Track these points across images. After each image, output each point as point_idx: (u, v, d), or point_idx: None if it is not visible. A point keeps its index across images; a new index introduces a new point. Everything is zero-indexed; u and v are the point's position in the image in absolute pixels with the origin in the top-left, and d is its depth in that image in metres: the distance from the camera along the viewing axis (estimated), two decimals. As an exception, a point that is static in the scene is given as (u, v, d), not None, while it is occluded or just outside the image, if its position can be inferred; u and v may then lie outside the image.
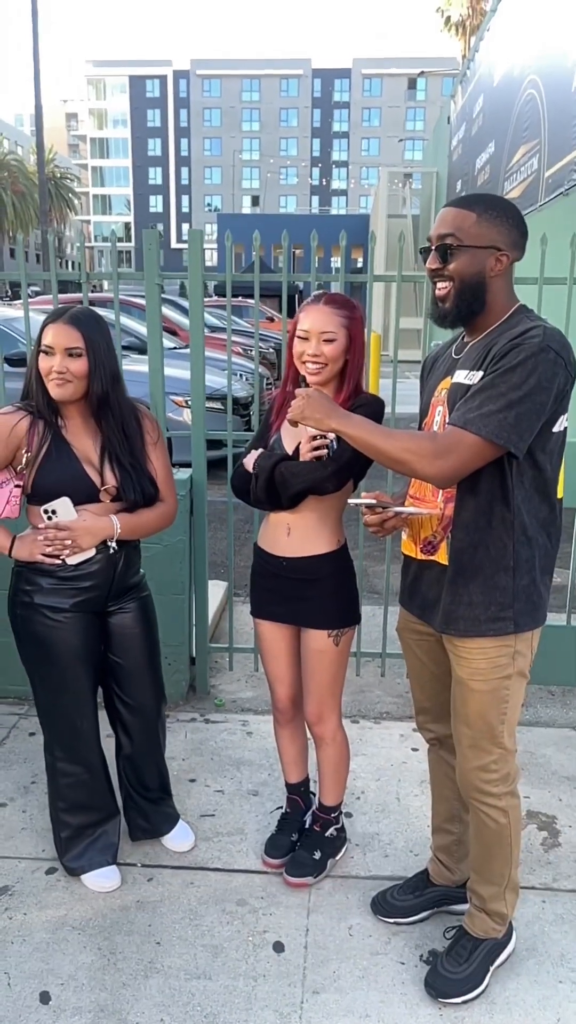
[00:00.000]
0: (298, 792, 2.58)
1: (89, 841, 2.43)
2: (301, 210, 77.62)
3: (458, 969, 2.05)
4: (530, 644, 1.93)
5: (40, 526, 2.19)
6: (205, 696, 3.56)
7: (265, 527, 2.33)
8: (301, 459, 2.14)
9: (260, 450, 2.26)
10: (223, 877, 2.47)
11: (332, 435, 2.04)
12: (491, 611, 1.86)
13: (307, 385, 2.12)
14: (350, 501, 2.06)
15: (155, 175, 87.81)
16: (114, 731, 2.50)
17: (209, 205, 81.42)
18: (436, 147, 25.02)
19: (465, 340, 1.92)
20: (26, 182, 50.32)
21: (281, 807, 2.66)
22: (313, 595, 2.27)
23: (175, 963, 2.15)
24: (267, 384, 10.58)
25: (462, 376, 1.84)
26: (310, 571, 2.26)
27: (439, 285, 1.84)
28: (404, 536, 2.06)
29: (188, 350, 3.40)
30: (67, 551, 2.18)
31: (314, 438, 2.09)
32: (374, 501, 1.96)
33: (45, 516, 2.17)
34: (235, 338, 12.34)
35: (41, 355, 2.13)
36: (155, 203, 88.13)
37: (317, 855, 2.45)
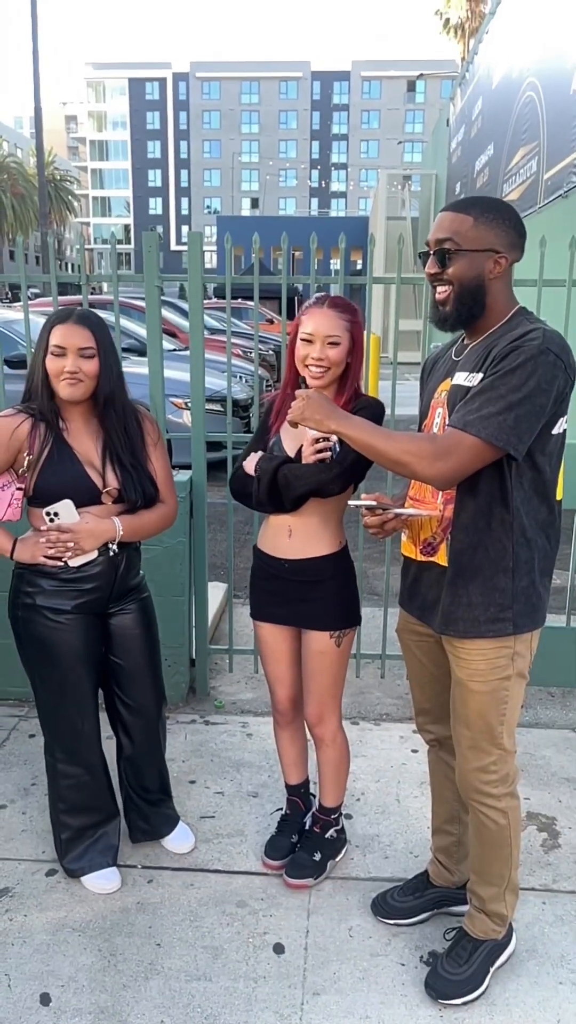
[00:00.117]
0: (298, 794, 2.58)
1: (89, 843, 2.43)
2: (300, 212, 77.72)
3: (458, 970, 2.05)
4: (529, 645, 1.94)
5: (42, 528, 2.19)
6: (205, 698, 3.57)
7: (265, 529, 2.33)
8: (304, 461, 2.14)
9: (260, 453, 2.26)
10: (223, 879, 2.47)
11: (334, 437, 2.05)
12: (490, 612, 1.86)
13: (307, 387, 2.13)
14: (350, 503, 2.06)
15: (154, 177, 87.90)
16: (115, 732, 2.50)
17: (208, 207, 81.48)
18: (435, 149, 25.05)
19: (465, 342, 1.93)
20: (26, 184, 50.38)
21: (281, 809, 2.66)
22: (315, 597, 2.27)
23: (175, 965, 2.16)
24: (267, 386, 10.59)
25: (462, 378, 1.85)
26: (312, 573, 2.26)
27: (439, 289, 1.85)
28: (404, 537, 2.06)
29: (188, 352, 3.40)
30: (69, 553, 2.19)
31: (317, 440, 2.09)
32: (374, 503, 1.97)
33: (47, 518, 2.17)
34: (235, 340, 12.35)
35: (50, 356, 2.13)
36: (154, 205, 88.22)
37: (317, 856, 2.45)
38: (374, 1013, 2.02)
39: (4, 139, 63.38)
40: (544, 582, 1.92)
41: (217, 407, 7.29)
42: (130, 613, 2.38)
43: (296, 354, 2.17)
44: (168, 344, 9.58)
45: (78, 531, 2.17)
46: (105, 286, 16.36)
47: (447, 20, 33.57)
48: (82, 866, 2.42)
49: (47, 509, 2.16)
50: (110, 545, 2.23)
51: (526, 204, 10.82)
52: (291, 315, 15.81)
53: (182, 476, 3.34)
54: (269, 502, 2.20)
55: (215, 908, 2.35)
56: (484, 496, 1.83)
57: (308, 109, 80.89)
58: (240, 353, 11.58)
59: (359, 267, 34.78)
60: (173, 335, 10.89)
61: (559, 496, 1.92)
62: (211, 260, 52.80)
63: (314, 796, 2.62)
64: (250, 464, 2.24)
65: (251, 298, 3.48)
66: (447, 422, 1.83)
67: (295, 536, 2.25)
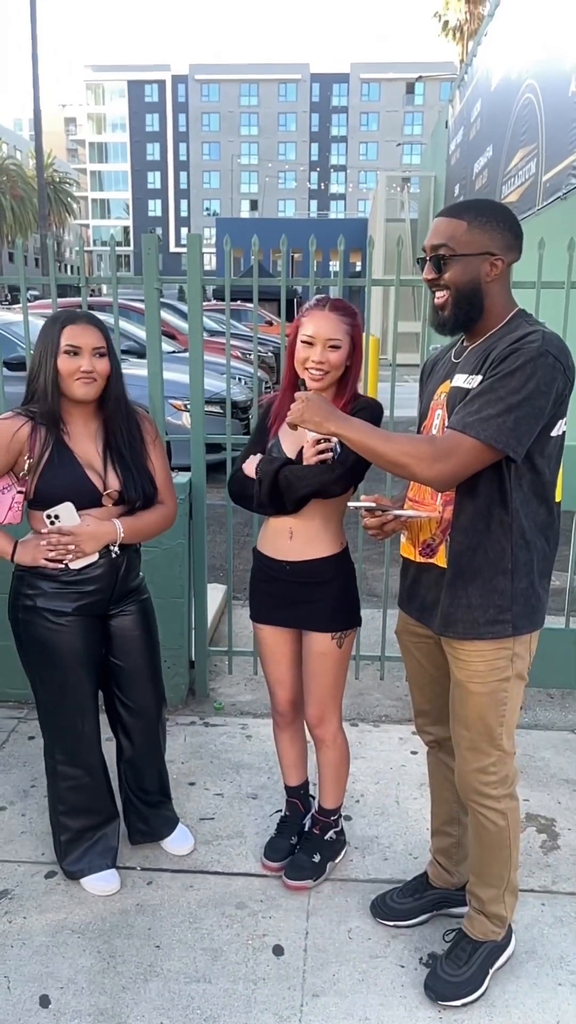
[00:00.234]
0: (297, 795, 2.58)
1: (89, 845, 2.43)
2: (300, 214, 77.80)
3: (457, 972, 2.05)
4: (528, 647, 1.94)
5: (43, 531, 2.19)
6: (204, 699, 3.57)
7: (265, 531, 2.33)
8: (305, 463, 2.14)
9: (259, 455, 2.26)
10: (222, 880, 2.47)
11: (335, 439, 2.05)
12: (489, 614, 1.86)
13: (306, 389, 2.13)
14: (350, 504, 2.06)
15: (154, 179, 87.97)
16: (114, 734, 2.50)
17: (208, 209, 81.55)
18: (434, 151, 25.08)
19: (464, 344, 1.93)
20: (25, 186, 50.41)
21: (280, 810, 2.66)
22: (316, 598, 2.27)
23: (175, 966, 2.15)
24: (266, 388, 10.59)
25: (461, 380, 1.85)
26: (314, 574, 2.26)
27: (437, 294, 1.86)
28: (403, 539, 2.06)
29: (187, 354, 3.41)
30: (70, 556, 2.19)
31: (318, 442, 2.10)
32: (373, 504, 1.97)
33: (48, 521, 2.17)
34: (234, 342, 12.36)
35: (64, 356, 2.13)
36: (154, 207, 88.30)
37: (316, 858, 2.45)
38: (373, 1015, 2.02)
39: (3, 141, 63.43)
40: (543, 583, 1.92)
41: (216, 409, 7.29)
42: (130, 615, 2.38)
43: (296, 356, 2.17)
44: (167, 346, 9.59)
45: (79, 533, 2.17)
46: (104, 288, 16.38)
47: (446, 22, 33.59)
48: (81, 868, 2.42)
49: (48, 512, 2.16)
50: (111, 547, 2.24)
51: (525, 206, 10.84)
52: (290, 317, 15.82)
53: (181, 478, 3.34)
54: (270, 504, 2.20)
55: (214, 910, 2.35)
56: (483, 498, 1.83)
57: (307, 111, 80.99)
58: (239, 355, 11.59)
59: (358, 269, 34.81)
60: (172, 337, 10.90)
61: (558, 498, 1.92)
62: (210, 262, 52.82)
63: (313, 798, 2.62)
64: (249, 466, 2.24)
65: (250, 300, 3.49)
66: (446, 424, 1.84)
67: (296, 538, 2.25)
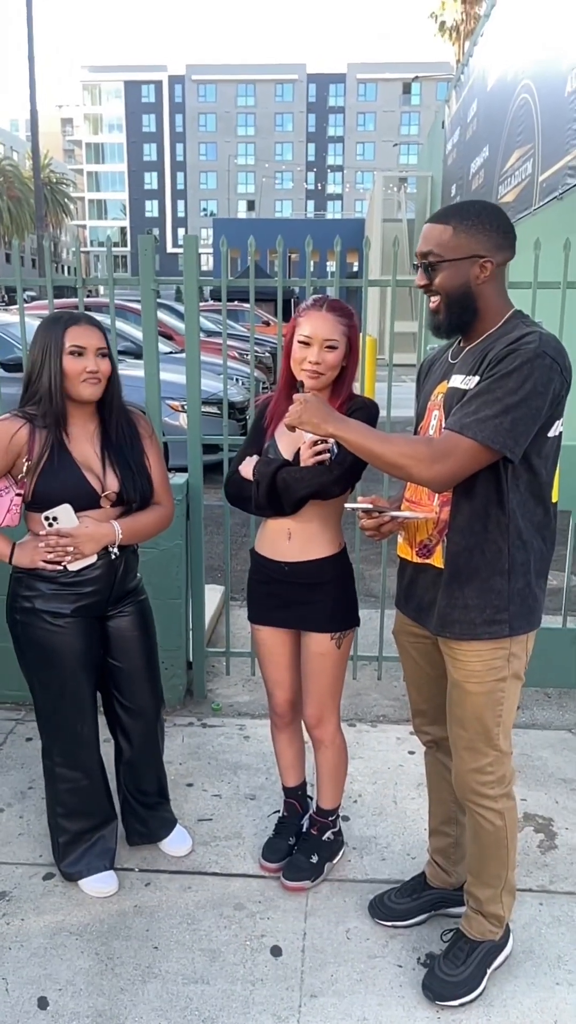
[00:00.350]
0: (295, 796, 2.58)
1: (87, 846, 2.43)
2: (297, 214, 77.78)
3: (455, 972, 2.05)
4: (525, 647, 1.94)
5: (41, 533, 2.19)
6: (202, 700, 3.57)
7: (263, 532, 2.33)
8: (302, 464, 2.15)
9: (255, 457, 2.26)
10: (220, 881, 2.47)
11: (332, 440, 2.05)
12: (486, 614, 1.87)
13: (304, 390, 2.13)
14: (347, 505, 2.06)
15: (151, 180, 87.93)
16: (113, 736, 2.50)
17: (205, 210, 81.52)
18: (431, 151, 25.10)
19: (461, 345, 1.93)
20: (22, 187, 50.36)
21: (278, 811, 2.66)
22: (315, 599, 2.27)
23: (173, 968, 2.15)
24: (263, 388, 10.59)
25: (458, 381, 1.85)
26: (313, 575, 2.26)
27: (431, 299, 1.87)
28: (400, 539, 2.07)
29: (184, 355, 3.41)
30: (69, 558, 2.19)
31: (315, 443, 2.10)
32: (371, 505, 1.97)
33: (46, 523, 2.17)
34: (231, 342, 12.35)
35: (69, 357, 2.13)
36: (151, 208, 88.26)
37: (314, 859, 2.45)
38: (371, 1015, 2.02)
39: (0, 142, 63.37)
40: (540, 584, 1.93)
41: (213, 409, 7.28)
42: (128, 616, 2.38)
43: (292, 356, 2.17)
44: (164, 347, 9.58)
45: (77, 535, 2.17)
46: (101, 289, 16.37)
47: (442, 23, 33.60)
48: (79, 870, 2.42)
49: (46, 513, 2.16)
50: (110, 548, 2.24)
51: (521, 206, 10.85)
52: (287, 317, 15.82)
53: (179, 479, 3.35)
54: (269, 506, 2.20)
55: (212, 911, 2.35)
56: (480, 498, 1.84)
57: (304, 111, 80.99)
58: (236, 355, 11.59)
59: (355, 269, 34.83)
60: (169, 338, 10.89)
61: (555, 498, 1.93)
62: (207, 263, 52.83)
63: (311, 798, 2.62)
64: (246, 468, 2.24)
65: (247, 300, 3.49)
66: (444, 425, 1.84)
67: (295, 539, 2.25)
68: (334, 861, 2.52)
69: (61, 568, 2.21)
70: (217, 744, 3.22)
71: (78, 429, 2.23)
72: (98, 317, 2.31)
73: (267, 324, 17.70)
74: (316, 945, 2.23)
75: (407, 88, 75.85)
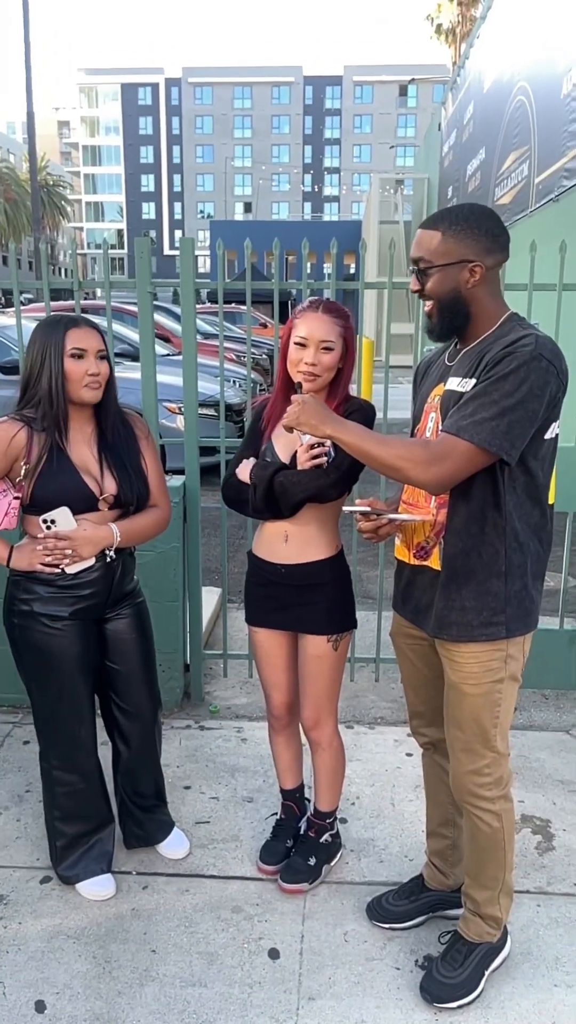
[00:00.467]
0: (293, 798, 2.58)
1: (84, 849, 2.42)
2: (293, 217, 77.87)
3: (453, 974, 2.05)
4: (522, 648, 1.94)
5: (39, 536, 2.19)
6: (199, 703, 3.56)
7: (260, 535, 2.33)
8: (299, 467, 2.15)
9: (253, 460, 2.26)
10: (218, 884, 2.47)
11: (329, 442, 2.05)
12: (483, 616, 1.87)
13: (301, 391, 2.13)
14: (345, 508, 2.07)
15: (147, 182, 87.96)
16: (111, 739, 2.50)
17: (202, 212, 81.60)
18: (427, 153, 25.13)
19: (458, 347, 1.94)
20: (18, 189, 50.34)
21: (276, 813, 2.66)
22: (312, 601, 2.27)
23: (170, 971, 2.15)
24: (260, 390, 10.59)
25: (455, 383, 1.86)
26: (310, 577, 2.26)
27: (425, 303, 1.88)
28: (397, 541, 2.07)
29: (181, 357, 3.41)
30: (67, 560, 2.19)
31: (312, 446, 2.10)
32: (368, 508, 1.98)
33: (44, 526, 2.17)
34: (228, 344, 12.35)
35: (71, 359, 2.13)
36: (148, 210, 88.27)
37: (312, 861, 2.45)
38: (369, 1017, 2.02)
39: (-3, 144, 63.36)
40: (537, 585, 1.93)
41: (210, 412, 7.28)
42: (125, 618, 2.38)
43: (289, 358, 2.17)
44: (161, 349, 9.59)
45: (76, 538, 2.17)
46: (98, 291, 16.38)
47: (439, 25, 33.67)
48: (77, 873, 2.42)
49: (44, 516, 2.16)
50: (108, 551, 2.24)
51: (518, 208, 10.87)
52: (283, 320, 15.84)
53: (176, 481, 3.34)
54: (266, 509, 2.20)
55: (210, 914, 2.35)
56: (477, 501, 1.84)
57: (300, 114, 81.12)
58: (233, 357, 11.59)
59: (352, 271, 34.86)
60: (166, 340, 10.90)
61: (551, 500, 1.93)
62: (204, 264, 52.83)
63: (309, 801, 2.62)
64: (244, 471, 2.24)
65: (244, 302, 3.49)
66: (440, 427, 1.84)
67: (292, 541, 2.25)
68: (332, 863, 2.52)
69: (59, 571, 2.21)
70: (215, 746, 3.22)
71: (76, 432, 2.23)
72: (95, 319, 2.32)
73: (264, 326, 17.71)
74: (314, 947, 2.23)
75: (403, 90, 76.00)
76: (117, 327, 8.86)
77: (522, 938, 2.26)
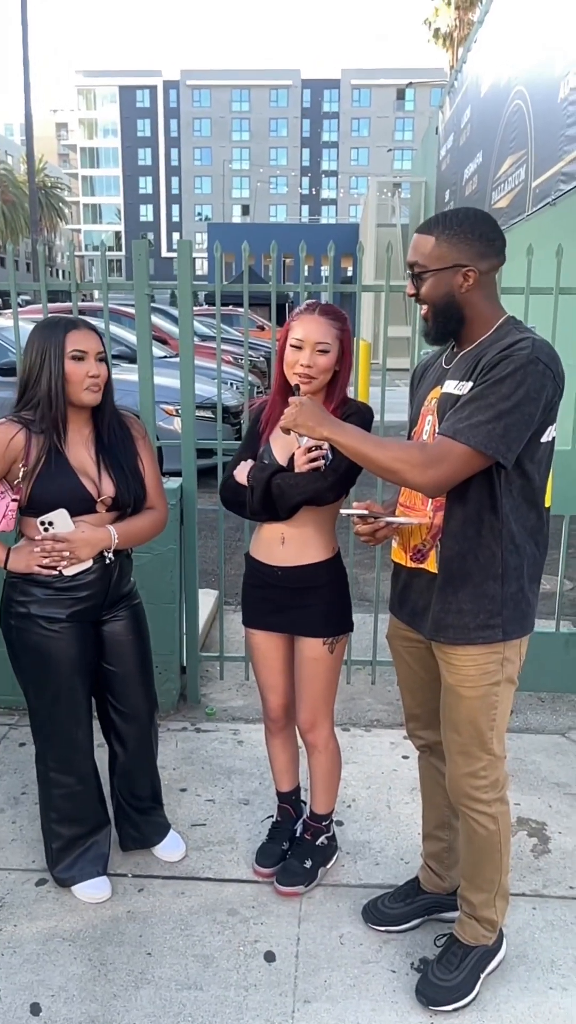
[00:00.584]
0: (289, 801, 2.58)
1: (80, 852, 2.42)
2: (291, 219, 77.96)
3: (449, 976, 2.05)
4: (519, 651, 1.95)
5: (37, 538, 2.18)
6: (196, 705, 3.56)
7: (258, 537, 2.33)
8: (297, 470, 2.15)
9: (250, 462, 2.26)
10: (214, 887, 2.47)
11: (326, 445, 2.06)
12: (480, 619, 1.87)
13: (299, 393, 2.13)
14: (342, 511, 2.07)
15: (145, 184, 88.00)
16: (107, 741, 2.49)
17: (199, 214, 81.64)
18: (425, 157, 25.17)
19: (455, 350, 1.94)
20: (16, 191, 50.31)
21: (272, 816, 2.66)
22: (309, 603, 2.28)
23: (166, 973, 2.15)
24: (257, 392, 10.60)
25: (452, 386, 1.86)
26: (306, 580, 2.26)
27: (421, 307, 1.89)
28: (394, 544, 2.07)
29: (178, 359, 3.41)
30: (64, 563, 2.18)
31: (310, 449, 2.10)
32: (366, 512, 1.98)
33: (42, 528, 2.16)
34: (225, 346, 12.36)
35: (72, 361, 2.13)
36: (145, 212, 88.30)
37: (308, 864, 2.45)
38: (365, 1020, 2.02)
39: (-6, 146, 63.37)
40: (533, 588, 1.93)
41: (208, 414, 7.28)
42: (122, 620, 2.38)
43: (285, 360, 2.18)
44: (158, 351, 9.59)
45: (74, 540, 2.17)
46: (96, 293, 16.37)
47: (436, 29, 33.74)
48: (72, 875, 2.41)
49: (42, 519, 2.16)
50: (105, 553, 2.24)
51: (515, 212, 10.90)
52: (281, 323, 15.82)
53: (173, 483, 3.34)
54: (263, 511, 2.21)
55: (206, 916, 2.35)
56: (474, 503, 1.84)
57: (298, 117, 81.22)
58: (230, 360, 11.59)
59: (349, 274, 34.88)
60: (164, 342, 10.90)
61: (547, 503, 1.93)
62: (202, 267, 52.87)
63: (305, 803, 2.62)
64: (241, 473, 2.24)
65: (242, 304, 3.50)
66: (437, 430, 1.85)
67: (288, 543, 2.25)
68: (328, 866, 2.51)
69: (56, 573, 2.21)
70: (211, 749, 3.22)
71: (74, 434, 2.23)
72: (92, 321, 2.32)
73: (261, 328, 17.71)
74: (310, 950, 2.23)
75: (401, 94, 76.12)
76: (114, 329, 8.86)
77: (518, 941, 2.26)
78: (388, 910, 2.30)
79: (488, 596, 1.87)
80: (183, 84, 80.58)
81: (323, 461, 2.12)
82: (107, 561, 2.25)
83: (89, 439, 2.25)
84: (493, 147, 12.67)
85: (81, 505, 2.19)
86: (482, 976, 2.08)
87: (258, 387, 10.89)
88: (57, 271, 71.75)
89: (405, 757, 3.15)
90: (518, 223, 10.51)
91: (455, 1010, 2.03)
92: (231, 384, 9.83)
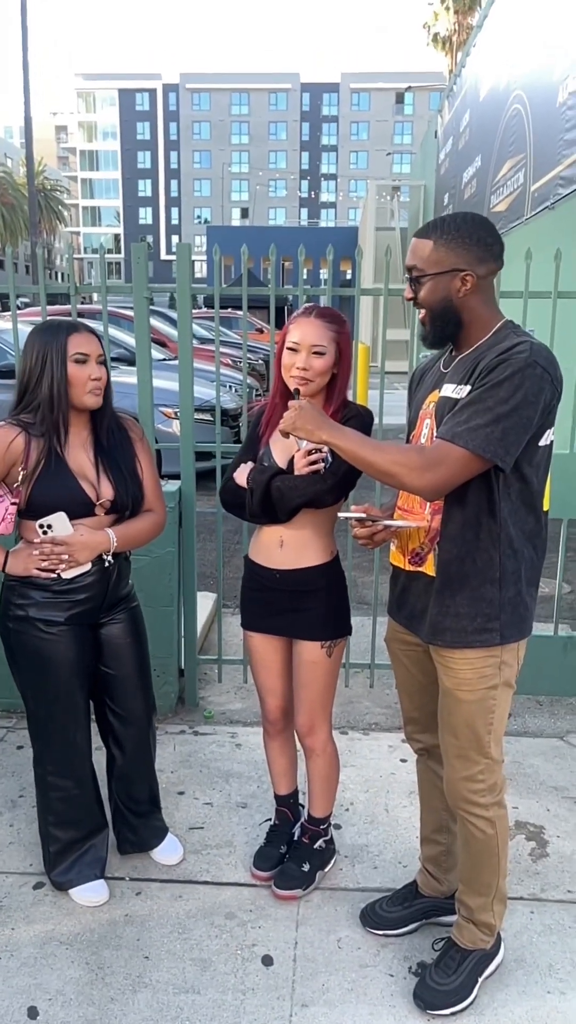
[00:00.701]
0: (287, 804, 2.58)
1: (77, 855, 2.42)
2: (290, 222, 78.04)
3: (446, 980, 2.05)
4: (516, 655, 1.95)
5: (36, 541, 2.18)
6: (194, 708, 3.56)
7: (257, 540, 2.33)
8: (296, 473, 2.15)
9: (250, 464, 2.26)
10: (212, 890, 2.46)
11: (326, 448, 2.06)
12: (477, 622, 1.87)
13: (299, 397, 2.13)
14: (341, 515, 2.07)
15: (145, 187, 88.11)
16: (105, 744, 2.49)
17: (199, 217, 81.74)
18: (424, 161, 25.22)
19: (453, 354, 1.94)
20: (16, 194, 50.35)
21: (270, 819, 2.66)
22: (307, 607, 2.28)
23: (163, 977, 2.14)
24: (256, 395, 10.60)
25: (450, 390, 1.86)
26: (305, 583, 2.26)
27: (419, 311, 1.90)
28: (392, 547, 2.07)
29: (177, 361, 3.41)
30: (63, 565, 2.18)
31: (309, 452, 2.10)
32: (364, 515, 1.98)
33: (41, 531, 2.16)
34: (224, 349, 12.36)
35: (74, 364, 2.13)
36: (144, 215, 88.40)
37: (306, 867, 2.44)
38: (363, 1024, 2.01)
39: (-6, 148, 63.40)
40: (531, 592, 1.93)
41: (206, 417, 7.29)
42: (120, 623, 2.38)
43: (282, 363, 2.18)
44: (157, 354, 9.58)
45: (73, 543, 2.17)
46: (95, 296, 16.37)
47: (435, 34, 33.80)
48: (70, 879, 2.41)
49: (40, 521, 2.16)
50: (104, 556, 2.24)
51: (513, 216, 10.91)
52: (279, 326, 15.83)
53: (171, 486, 3.34)
54: (263, 514, 2.21)
55: (203, 920, 2.34)
56: (472, 507, 1.84)
57: (298, 120, 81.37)
58: (229, 362, 11.60)
59: (348, 277, 34.92)
60: (163, 344, 10.90)
61: (546, 507, 1.94)
62: (201, 270, 52.92)
63: (303, 806, 2.62)
64: (241, 476, 2.24)
65: (240, 307, 3.50)
66: (435, 434, 1.85)
67: (287, 546, 2.25)
68: (325, 870, 2.51)
69: (55, 576, 2.21)
70: (209, 752, 3.21)
71: (73, 437, 2.23)
72: (91, 324, 2.32)
73: (260, 331, 17.72)
74: (307, 954, 2.22)
75: (400, 98, 76.30)
76: (113, 331, 8.87)
77: (515, 945, 2.26)
78: (386, 914, 2.30)
79: (486, 600, 1.87)
80: (182, 87, 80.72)
81: (323, 464, 2.12)
82: (106, 564, 2.25)
83: (88, 442, 2.25)
84: (492, 151, 12.70)
85: (80, 508, 2.19)
86: (480, 980, 2.08)
87: (257, 390, 10.89)
88: (56, 274, 71.78)
89: (403, 761, 3.15)
90: (517, 227, 10.53)
91: (453, 1014, 2.02)
92: (230, 387, 9.83)
